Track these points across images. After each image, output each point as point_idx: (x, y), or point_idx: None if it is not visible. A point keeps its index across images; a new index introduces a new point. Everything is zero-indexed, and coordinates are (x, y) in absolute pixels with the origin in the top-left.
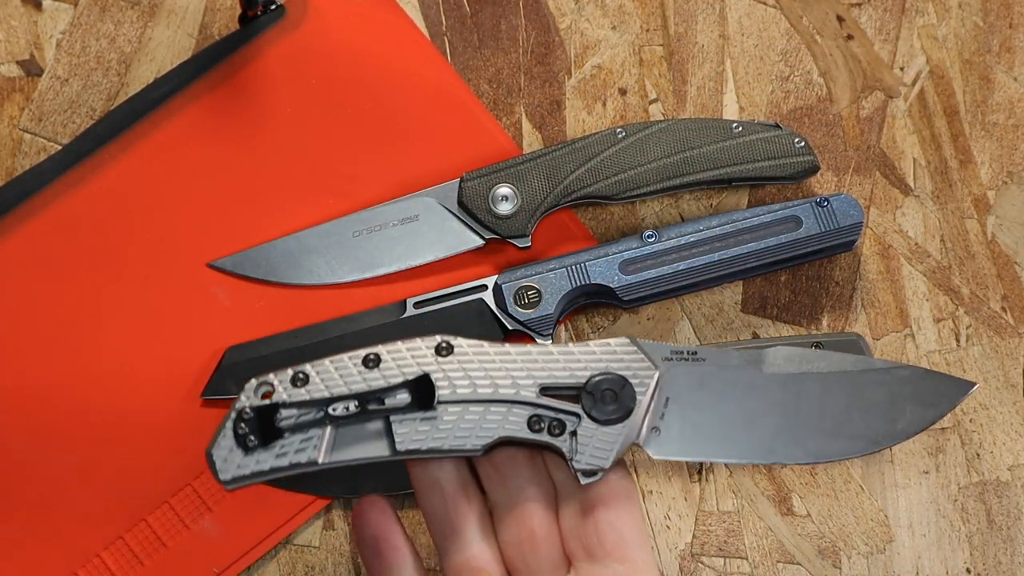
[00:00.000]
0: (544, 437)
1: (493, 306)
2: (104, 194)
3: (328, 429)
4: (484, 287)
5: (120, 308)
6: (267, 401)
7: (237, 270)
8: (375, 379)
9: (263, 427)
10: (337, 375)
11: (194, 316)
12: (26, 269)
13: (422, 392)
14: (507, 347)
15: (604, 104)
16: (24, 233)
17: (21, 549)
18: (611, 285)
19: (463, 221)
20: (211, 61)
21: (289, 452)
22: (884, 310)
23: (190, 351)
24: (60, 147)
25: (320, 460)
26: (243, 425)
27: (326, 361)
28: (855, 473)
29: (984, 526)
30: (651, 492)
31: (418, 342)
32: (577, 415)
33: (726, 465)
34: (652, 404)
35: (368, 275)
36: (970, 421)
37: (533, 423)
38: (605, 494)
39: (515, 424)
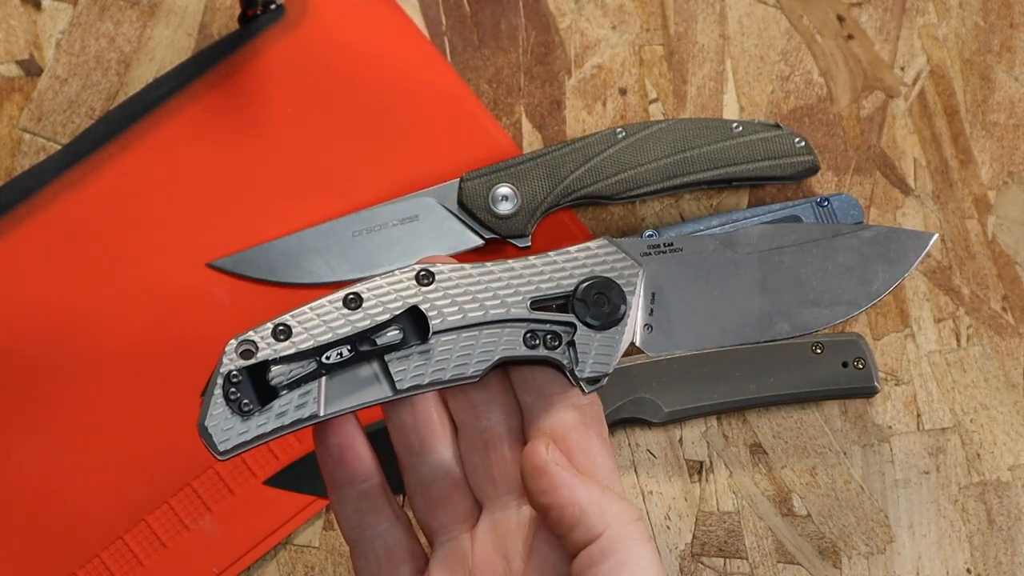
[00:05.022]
0: (542, 352)
1: None
2: (104, 194)
3: (323, 379)
4: None
5: (119, 308)
6: (251, 361)
7: (237, 270)
8: (360, 320)
9: (257, 388)
10: (320, 321)
11: (194, 316)
12: (26, 269)
13: (414, 325)
14: (489, 266)
15: (604, 104)
16: (23, 233)
17: (21, 549)
18: None
19: (463, 221)
20: (211, 61)
21: (289, 410)
22: (884, 310)
23: (190, 351)
24: (59, 147)
25: (321, 413)
26: (234, 390)
27: (306, 308)
28: (855, 473)
29: (984, 526)
30: (651, 492)
31: (397, 274)
32: (572, 324)
33: (726, 464)
34: (641, 302)
35: (368, 275)
36: (970, 421)
37: (529, 339)
38: (574, 420)
39: (511, 343)
